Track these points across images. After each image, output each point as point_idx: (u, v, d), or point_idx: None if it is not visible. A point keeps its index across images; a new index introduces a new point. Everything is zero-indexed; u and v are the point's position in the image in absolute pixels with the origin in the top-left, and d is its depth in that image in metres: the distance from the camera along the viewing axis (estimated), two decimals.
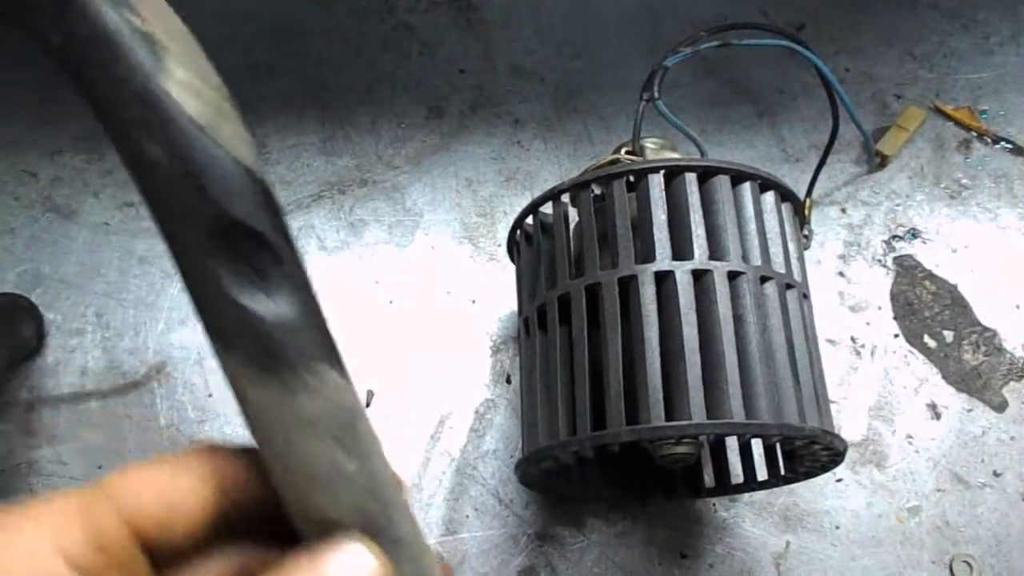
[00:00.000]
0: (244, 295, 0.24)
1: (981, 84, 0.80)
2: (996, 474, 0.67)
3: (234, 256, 0.24)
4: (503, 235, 0.74)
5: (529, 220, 0.60)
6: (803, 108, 0.80)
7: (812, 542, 0.65)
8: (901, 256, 0.74)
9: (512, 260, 0.66)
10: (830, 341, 0.71)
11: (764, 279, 0.52)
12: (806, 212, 0.71)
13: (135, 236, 0.76)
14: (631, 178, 0.55)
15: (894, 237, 0.75)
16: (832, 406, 0.57)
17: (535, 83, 0.82)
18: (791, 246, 0.56)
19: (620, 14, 0.85)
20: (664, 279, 0.51)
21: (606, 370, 0.50)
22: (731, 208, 0.53)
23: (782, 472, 0.60)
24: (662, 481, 0.64)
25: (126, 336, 0.73)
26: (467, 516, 0.67)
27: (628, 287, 0.52)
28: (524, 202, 0.62)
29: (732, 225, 0.53)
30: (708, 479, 0.64)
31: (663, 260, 0.51)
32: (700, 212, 0.52)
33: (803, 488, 0.66)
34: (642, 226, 0.53)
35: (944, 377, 0.70)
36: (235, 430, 0.69)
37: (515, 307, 0.71)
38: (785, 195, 0.57)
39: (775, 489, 0.65)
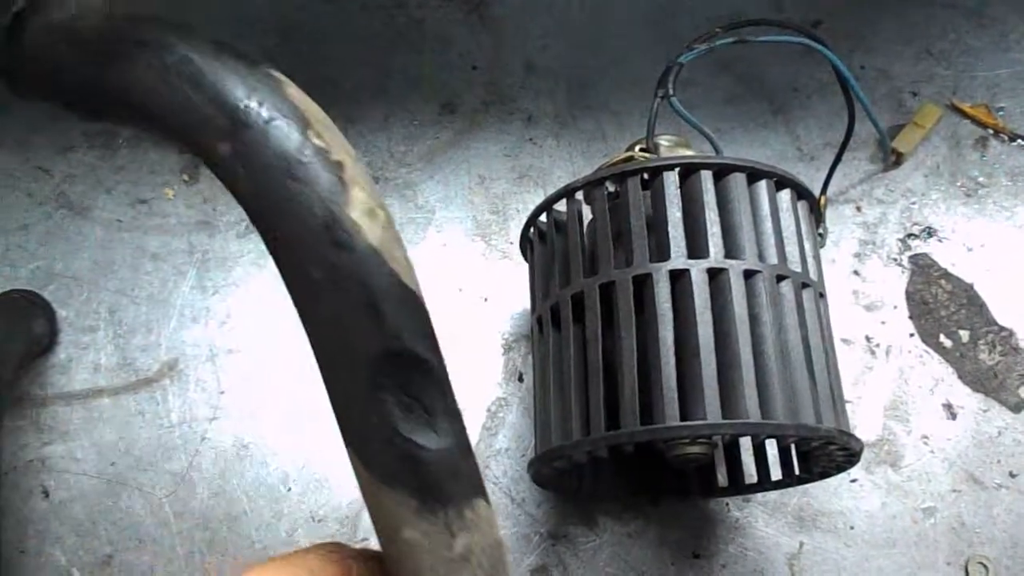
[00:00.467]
0: (413, 430, 0.23)
1: (998, 81, 0.79)
2: (1012, 475, 0.66)
3: (405, 389, 0.23)
4: (516, 232, 0.74)
5: (543, 217, 0.60)
6: (818, 106, 0.79)
7: (826, 543, 0.65)
8: (917, 255, 0.73)
9: (525, 258, 0.65)
10: (845, 340, 0.70)
11: (780, 278, 0.52)
12: (821, 210, 0.71)
13: (148, 233, 0.76)
14: (646, 175, 0.54)
15: (910, 236, 0.74)
16: (847, 406, 0.56)
17: (548, 80, 0.81)
18: (807, 245, 0.56)
19: (634, 10, 0.84)
20: (679, 278, 0.51)
21: (620, 369, 0.50)
22: (747, 206, 0.53)
23: (797, 472, 0.59)
24: (675, 481, 0.64)
25: (138, 333, 0.73)
26: None
27: (643, 286, 0.51)
28: (537, 199, 0.61)
29: (748, 223, 0.52)
30: (721, 479, 0.63)
31: (678, 258, 0.51)
32: (716, 210, 0.52)
33: (817, 488, 0.66)
34: (657, 224, 0.53)
35: (960, 377, 0.69)
36: (246, 427, 0.69)
37: (527, 305, 0.70)
38: (801, 193, 0.57)
39: (789, 489, 0.64)
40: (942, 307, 0.71)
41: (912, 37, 0.82)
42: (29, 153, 0.79)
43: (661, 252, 0.52)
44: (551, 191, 0.58)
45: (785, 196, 0.56)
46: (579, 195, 0.57)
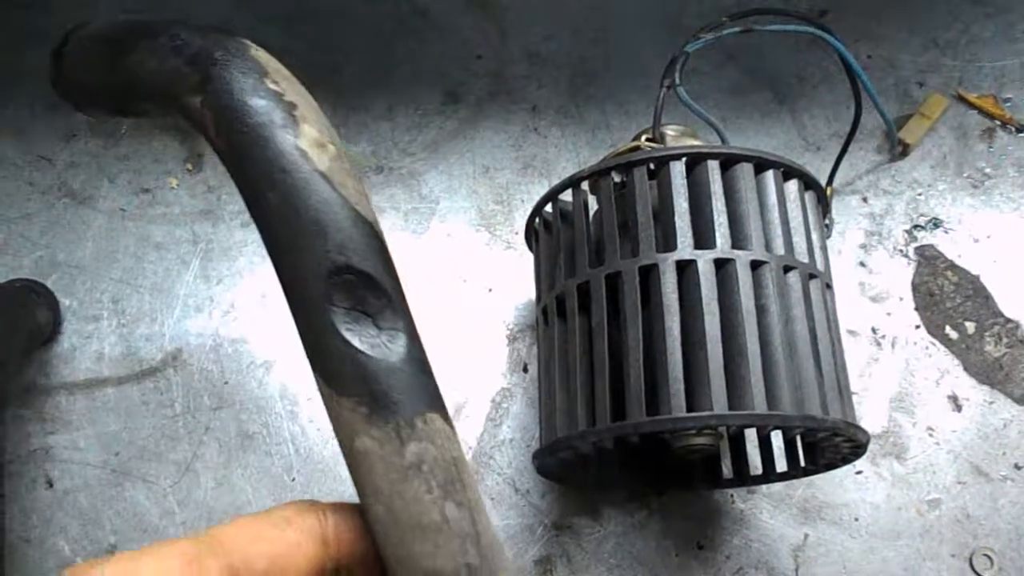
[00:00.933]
0: (360, 340, 0.25)
1: (1005, 72, 0.79)
2: (1017, 467, 0.66)
3: (352, 301, 0.25)
4: (520, 223, 0.74)
5: (548, 208, 0.60)
6: (824, 96, 0.79)
7: (831, 534, 0.65)
8: (923, 246, 0.73)
9: (530, 248, 0.65)
10: (851, 332, 0.70)
11: (787, 268, 0.52)
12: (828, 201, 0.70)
13: (151, 222, 0.76)
14: (652, 166, 0.54)
15: (916, 227, 0.74)
16: (853, 398, 0.56)
17: (552, 69, 0.81)
18: (814, 235, 0.55)
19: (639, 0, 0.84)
20: (686, 268, 0.50)
21: (626, 360, 0.50)
22: (754, 196, 0.53)
23: (802, 464, 0.59)
24: (680, 472, 0.64)
25: (142, 323, 0.73)
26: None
27: (649, 276, 0.51)
28: (541, 190, 0.61)
29: (755, 213, 0.52)
30: (726, 470, 0.63)
31: (685, 249, 0.51)
32: (722, 200, 0.52)
33: (822, 480, 0.66)
34: (663, 214, 0.52)
35: (966, 369, 0.69)
36: (249, 417, 0.69)
37: (532, 295, 0.70)
38: (808, 183, 0.57)
39: (794, 481, 0.64)
40: (948, 299, 0.71)
41: (918, 27, 0.81)
42: (31, 142, 0.79)
43: (667, 242, 0.51)
44: (556, 181, 0.58)
45: (792, 186, 0.55)
46: (585, 185, 0.57)
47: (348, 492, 0.70)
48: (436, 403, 0.26)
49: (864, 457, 0.63)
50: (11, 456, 0.68)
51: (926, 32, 0.81)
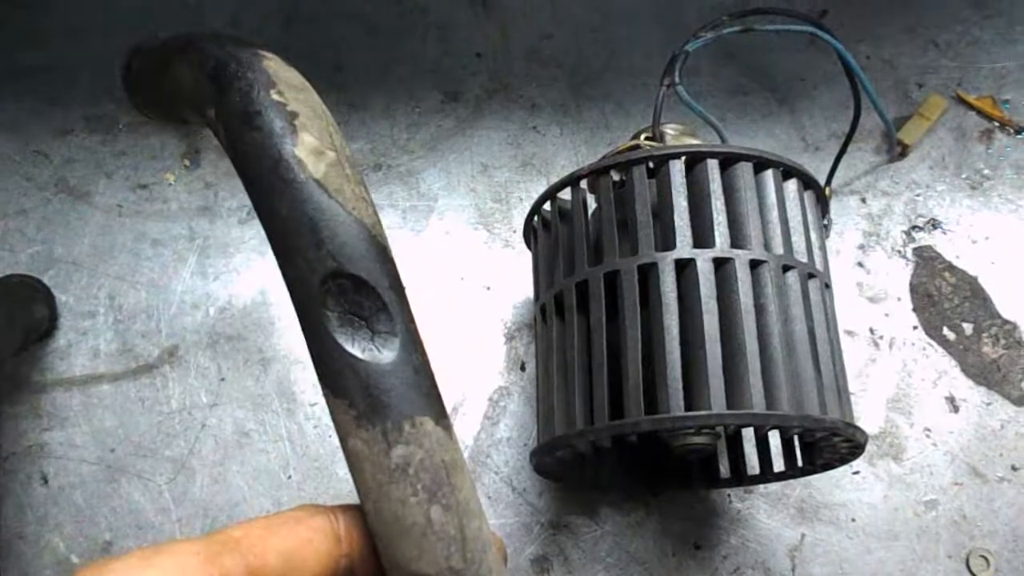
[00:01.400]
0: (351, 343, 0.26)
1: (1004, 73, 0.79)
2: (1014, 468, 0.66)
3: (345, 306, 0.26)
4: (518, 221, 0.74)
5: (547, 206, 0.60)
6: (824, 96, 0.79)
7: (828, 534, 0.65)
8: (921, 247, 0.73)
9: (528, 246, 0.65)
10: (848, 332, 0.70)
11: (786, 268, 0.52)
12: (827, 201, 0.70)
13: (148, 218, 0.76)
14: (651, 164, 0.54)
15: (914, 228, 0.74)
16: (851, 398, 0.56)
17: (552, 68, 0.81)
18: (813, 235, 0.55)
19: None
20: (685, 267, 0.50)
21: (624, 359, 0.50)
22: (753, 195, 0.52)
23: (800, 464, 0.59)
24: (677, 472, 0.64)
25: (138, 319, 0.72)
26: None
27: (648, 275, 0.51)
28: (540, 188, 0.61)
29: (754, 213, 0.52)
30: (724, 470, 0.63)
31: (684, 248, 0.50)
32: (722, 199, 0.52)
33: (819, 480, 0.66)
34: (662, 213, 0.52)
35: (963, 370, 0.69)
36: (246, 414, 0.69)
37: (530, 294, 0.70)
38: (808, 183, 0.57)
39: (791, 481, 0.64)
40: (946, 300, 0.71)
41: (918, 28, 0.81)
42: (28, 137, 0.79)
43: (667, 241, 0.51)
44: (554, 180, 0.58)
45: (792, 186, 0.55)
46: (584, 183, 0.57)
47: (345, 490, 0.70)
48: (430, 407, 0.27)
49: (861, 458, 0.62)
50: (6, 452, 0.68)
51: (926, 33, 0.81)
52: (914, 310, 0.71)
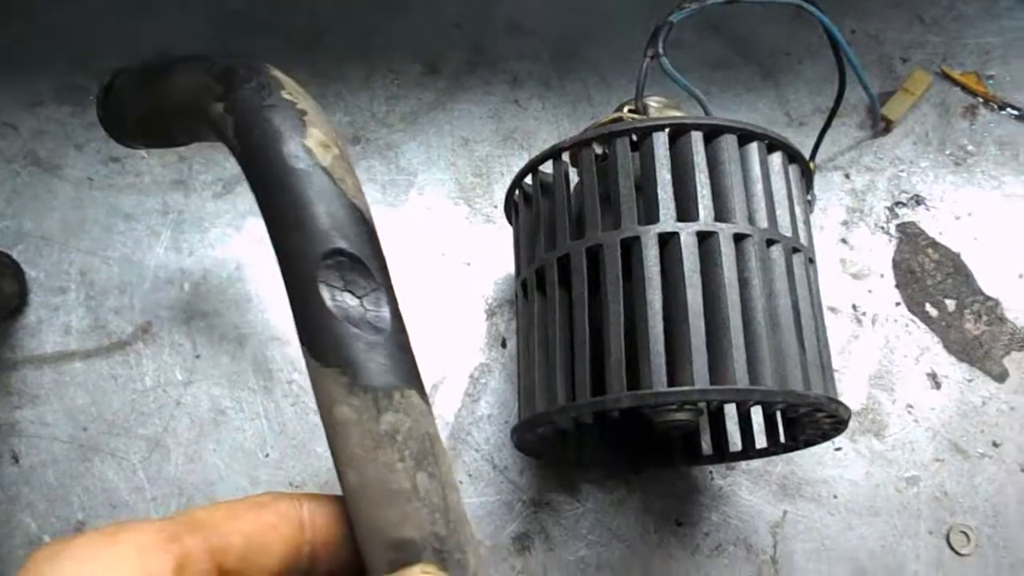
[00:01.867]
0: (347, 316, 0.28)
1: (988, 49, 0.78)
2: (995, 444, 0.66)
3: (342, 281, 0.28)
4: (499, 196, 0.73)
5: (528, 180, 0.59)
6: (808, 70, 0.78)
7: (809, 511, 0.65)
8: (904, 223, 0.73)
9: (509, 221, 0.64)
10: (831, 308, 0.69)
11: (770, 242, 0.51)
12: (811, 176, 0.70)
13: (120, 192, 0.74)
14: (634, 137, 0.53)
15: (897, 204, 0.73)
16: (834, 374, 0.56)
17: (533, 40, 0.80)
18: (798, 209, 0.55)
19: None
20: (668, 241, 0.49)
21: (607, 334, 0.49)
22: (737, 168, 0.52)
23: (782, 440, 0.59)
24: (659, 448, 0.63)
25: (111, 295, 0.71)
26: (461, 482, 0.66)
27: (631, 249, 0.50)
28: (521, 162, 0.60)
29: (738, 186, 0.51)
30: (706, 447, 0.63)
31: (667, 221, 0.50)
32: (706, 172, 0.51)
33: (801, 457, 0.66)
34: (646, 186, 0.51)
35: (945, 346, 0.69)
36: (222, 391, 0.68)
37: (511, 270, 0.69)
38: (793, 156, 0.56)
39: (773, 458, 0.64)
40: (928, 276, 0.71)
41: (904, 2, 0.81)
42: None
43: (649, 215, 0.50)
44: (536, 154, 0.57)
45: (776, 159, 0.55)
46: (566, 156, 0.56)
47: (323, 468, 0.69)
48: (414, 381, 0.28)
49: (843, 434, 0.63)
50: None
51: (911, 8, 0.80)
52: (897, 286, 0.71)
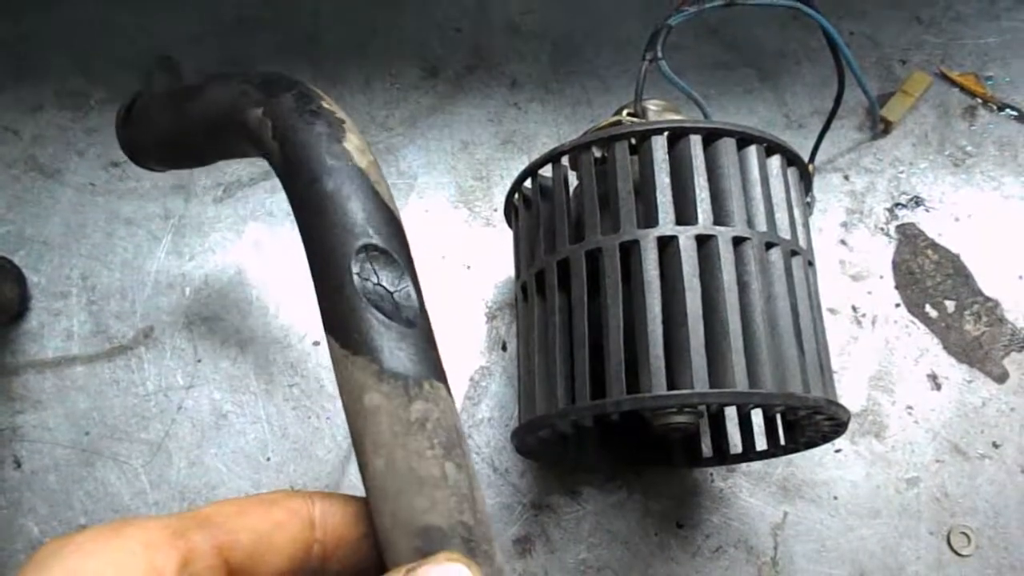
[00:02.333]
0: (379, 307, 0.28)
1: (987, 50, 0.78)
2: (995, 445, 0.66)
3: (375, 275, 0.29)
4: (499, 199, 0.73)
5: (528, 183, 0.59)
6: (807, 73, 0.78)
7: (810, 512, 0.65)
8: (904, 224, 0.73)
9: (509, 224, 0.64)
10: (831, 310, 0.70)
11: (769, 245, 0.51)
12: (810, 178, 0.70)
13: (121, 197, 0.74)
14: (633, 140, 0.53)
15: (897, 205, 0.73)
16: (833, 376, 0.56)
17: (533, 43, 0.80)
18: (796, 212, 0.55)
19: None
20: (667, 244, 0.50)
21: (606, 337, 0.49)
22: (736, 172, 0.52)
23: (782, 442, 0.59)
24: (659, 451, 0.63)
25: (112, 300, 0.71)
26: None
27: (630, 252, 0.50)
28: (521, 166, 0.60)
29: (737, 189, 0.51)
30: (706, 449, 0.63)
31: (666, 224, 0.50)
32: (705, 176, 0.51)
33: (801, 459, 0.66)
34: (645, 189, 0.51)
35: (945, 347, 0.69)
36: (223, 395, 0.68)
37: (511, 273, 0.69)
38: (791, 159, 0.56)
39: (773, 460, 0.64)
40: (928, 277, 0.71)
41: (902, 4, 0.81)
42: None
43: (648, 218, 0.51)
44: (536, 157, 0.57)
45: (775, 162, 0.55)
46: (565, 160, 0.56)
47: (325, 472, 0.69)
48: (441, 375, 0.29)
49: (843, 436, 0.63)
50: None
51: (909, 9, 0.80)
52: (897, 288, 0.71)
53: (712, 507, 0.65)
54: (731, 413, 0.63)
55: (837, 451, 0.66)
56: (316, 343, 0.69)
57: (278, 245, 0.73)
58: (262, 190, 0.74)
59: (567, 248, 0.53)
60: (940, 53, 0.78)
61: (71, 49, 0.79)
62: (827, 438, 0.55)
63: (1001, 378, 0.68)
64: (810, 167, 0.69)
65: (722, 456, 0.62)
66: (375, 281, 0.29)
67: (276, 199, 0.74)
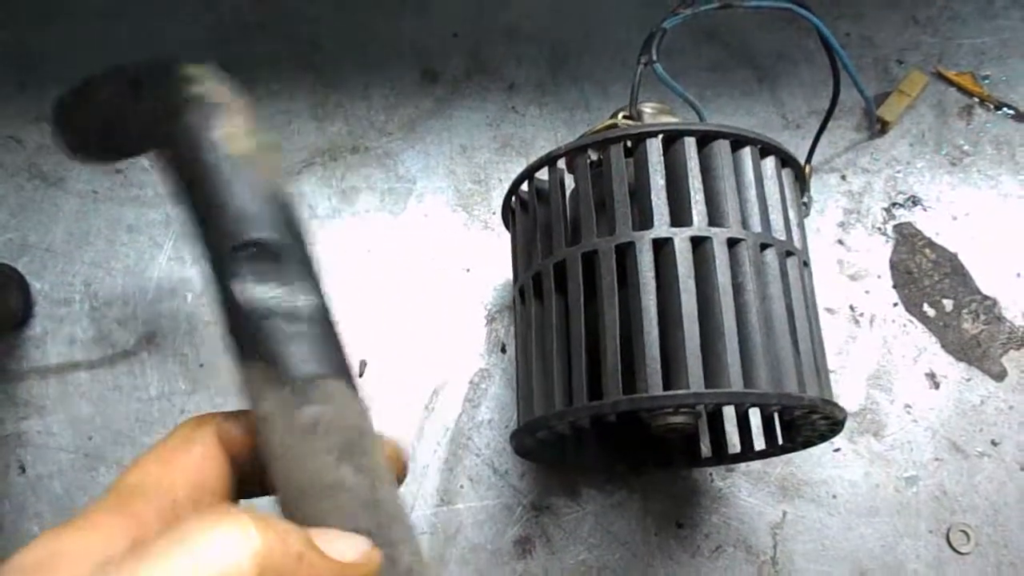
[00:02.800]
0: (263, 307, 0.27)
1: (984, 49, 0.79)
2: (994, 443, 0.66)
3: (256, 271, 0.27)
4: (498, 202, 0.73)
5: (524, 186, 0.59)
6: (803, 74, 0.78)
7: (809, 512, 0.65)
8: (901, 224, 0.73)
9: (507, 227, 0.65)
10: (829, 310, 0.70)
11: (764, 246, 0.51)
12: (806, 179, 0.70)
13: (123, 204, 0.75)
14: (629, 143, 0.53)
15: (894, 204, 0.73)
16: (830, 375, 0.56)
17: (530, 47, 0.80)
18: (791, 212, 0.55)
19: None
20: (662, 246, 0.50)
21: (603, 339, 0.50)
22: (731, 173, 0.52)
23: (780, 442, 0.59)
24: (658, 451, 0.64)
25: (115, 306, 0.72)
26: (462, 486, 0.66)
27: (625, 254, 0.51)
28: (519, 169, 0.60)
29: (732, 191, 0.51)
30: (705, 449, 0.63)
31: (661, 227, 0.50)
32: (699, 177, 0.51)
33: (800, 458, 0.66)
34: (640, 192, 0.52)
35: (943, 346, 0.69)
36: (226, 400, 0.68)
37: (510, 276, 0.70)
38: (786, 160, 0.56)
39: (772, 459, 0.64)
40: (926, 276, 0.71)
41: (898, 4, 0.81)
42: (0, 122, 0.77)
43: (644, 220, 0.51)
44: (533, 160, 0.57)
45: (769, 163, 0.55)
46: (561, 163, 0.56)
47: None
48: (338, 370, 0.27)
49: (842, 435, 0.63)
50: None
51: (906, 9, 0.81)
52: (894, 287, 0.71)
53: (711, 507, 0.65)
54: (729, 413, 0.63)
55: (836, 450, 0.66)
56: None
57: None
58: None
59: (563, 250, 0.53)
60: (937, 53, 0.79)
61: (73, 59, 0.79)
62: (824, 437, 0.56)
63: (999, 376, 0.68)
64: (807, 168, 0.70)
65: (720, 456, 0.63)
66: (255, 280, 0.27)
67: None
